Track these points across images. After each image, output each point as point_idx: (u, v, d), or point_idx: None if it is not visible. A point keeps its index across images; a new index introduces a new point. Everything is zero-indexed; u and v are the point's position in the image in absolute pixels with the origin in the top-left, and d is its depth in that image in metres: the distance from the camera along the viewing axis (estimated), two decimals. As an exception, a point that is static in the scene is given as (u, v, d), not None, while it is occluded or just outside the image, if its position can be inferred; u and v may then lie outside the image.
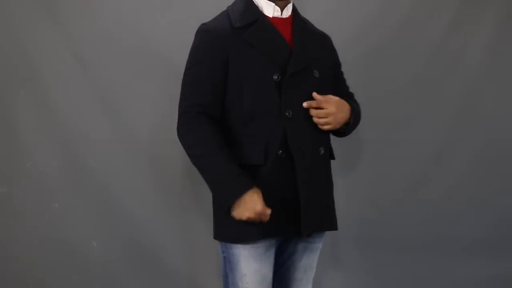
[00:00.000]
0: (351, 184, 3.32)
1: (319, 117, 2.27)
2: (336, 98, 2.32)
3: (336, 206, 3.31)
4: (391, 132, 3.30)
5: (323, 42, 2.43)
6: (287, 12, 2.36)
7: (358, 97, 3.37)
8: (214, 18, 2.36)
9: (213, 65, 2.25)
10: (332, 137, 2.46)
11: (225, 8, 2.45)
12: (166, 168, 3.25)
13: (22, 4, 3.19)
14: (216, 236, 2.33)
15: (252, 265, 2.23)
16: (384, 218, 3.30)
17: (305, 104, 2.26)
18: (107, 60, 3.21)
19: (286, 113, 2.22)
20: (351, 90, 3.30)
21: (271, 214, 2.17)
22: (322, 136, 2.32)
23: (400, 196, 3.30)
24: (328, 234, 3.40)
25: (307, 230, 2.25)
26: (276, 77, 2.24)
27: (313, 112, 2.27)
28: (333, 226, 2.39)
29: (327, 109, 2.28)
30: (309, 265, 2.39)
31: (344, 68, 3.27)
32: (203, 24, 2.33)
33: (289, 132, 2.22)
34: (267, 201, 2.18)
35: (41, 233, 3.23)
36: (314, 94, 2.28)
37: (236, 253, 2.24)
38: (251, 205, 2.15)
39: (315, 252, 2.40)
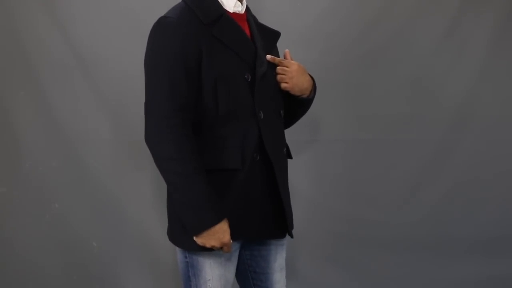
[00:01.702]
0: (351, 184, 3.32)
1: (280, 74, 2.22)
2: (299, 64, 2.26)
3: (336, 206, 3.34)
4: (391, 132, 3.30)
5: (274, 39, 2.33)
6: (244, 7, 2.26)
7: (358, 97, 3.37)
8: (175, 12, 2.15)
9: (187, 61, 2.09)
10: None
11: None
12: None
13: (22, 4, 3.20)
14: (179, 244, 2.21)
15: (216, 271, 2.17)
16: (384, 218, 3.30)
17: (268, 57, 2.20)
18: (107, 60, 3.21)
19: (260, 114, 2.15)
20: (352, 89, 3.31)
21: (248, 218, 2.15)
22: (284, 136, 2.28)
23: (400, 196, 3.30)
24: (329, 234, 3.40)
25: (290, 232, 2.23)
26: (247, 76, 2.15)
27: (278, 69, 2.22)
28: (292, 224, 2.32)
29: (288, 68, 2.22)
30: (282, 264, 2.31)
31: (344, 68, 3.28)
32: (166, 17, 2.14)
33: (264, 134, 2.15)
34: (245, 206, 2.14)
35: (41, 233, 3.23)
36: (286, 52, 2.25)
37: (201, 260, 2.17)
38: (219, 235, 2.06)
39: (284, 251, 2.32)
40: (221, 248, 2.09)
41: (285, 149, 2.26)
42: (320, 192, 3.30)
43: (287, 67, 2.23)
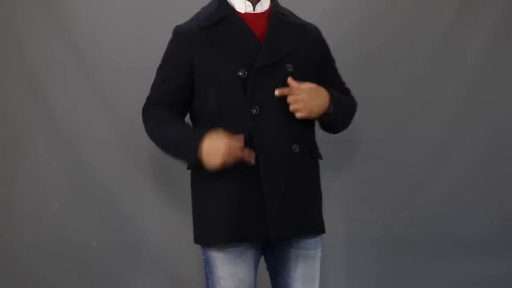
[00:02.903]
0: (351, 184, 3.32)
1: (291, 104, 2.19)
2: (311, 84, 2.21)
3: (336, 207, 3.34)
4: (391, 132, 3.30)
5: (303, 34, 2.32)
6: (262, 6, 2.30)
7: (358, 98, 3.37)
8: (186, 21, 2.39)
9: (178, 66, 2.29)
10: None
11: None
12: (166, 168, 3.25)
13: (22, 4, 3.20)
14: (196, 240, 2.31)
15: (227, 269, 2.19)
16: (384, 218, 3.30)
17: (276, 92, 2.17)
18: (107, 60, 3.21)
19: (253, 110, 2.16)
20: (352, 90, 3.30)
21: (243, 215, 2.15)
22: (298, 133, 2.23)
23: (400, 196, 3.30)
24: (328, 234, 3.40)
25: (277, 234, 2.15)
26: (241, 73, 2.18)
27: (288, 99, 2.18)
28: (314, 229, 2.27)
29: (298, 96, 2.17)
30: (307, 275, 2.29)
31: (344, 68, 3.25)
32: (176, 26, 2.37)
33: (255, 130, 2.16)
34: (236, 203, 2.15)
35: (41, 233, 3.23)
36: (289, 80, 2.18)
37: (212, 255, 2.22)
38: (213, 147, 2.08)
39: (312, 261, 2.29)
40: (235, 157, 2.08)
41: (295, 146, 2.22)
42: (320, 192, 3.30)
43: (297, 95, 2.18)
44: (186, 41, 2.29)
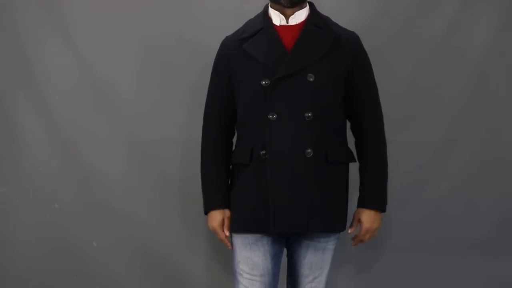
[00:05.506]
0: (351, 184, 3.31)
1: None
2: (368, 223, 2.56)
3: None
4: (391, 132, 3.29)
5: (333, 45, 2.44)
6: (295, 19, 2.45)
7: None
8: (236, 31, 2.57)
9: (220, 81, 2.53)
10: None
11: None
12: (166, 168, 3.25)
13: (22, 4, 3.20)
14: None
15: (243, 253, 2.42)
16: (384, 218, 3.29)
17: (349, 230, 2.61)
18: (107, 60, 3.22)
19: (270, 116, 2.34)
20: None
21: (253, 212, 2.40)
22: (314, 139, 2.37)
23: (400, 196, 3.29)
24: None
25: (276, 229, 2.36)
26: (264, 82, 2.35)
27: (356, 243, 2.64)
28: (319, 229, 2.44)
29: (364, 241, 2.59)
30: (315, 263, 2.50)
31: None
32: (224, 38, 2.58)
33: (270, 134, 2.35)
34: (249, 198, 2.40)
35: (41, 233, 3.24)
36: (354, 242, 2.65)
37: (233, 241, 2.48)
38: (210, 222, 2.52)
39: (321, 251, 2.50)
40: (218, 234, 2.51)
41: (309, 150, 2.35)
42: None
43: (362, 240, 2.61)
44: (227, 55, 2.50)
